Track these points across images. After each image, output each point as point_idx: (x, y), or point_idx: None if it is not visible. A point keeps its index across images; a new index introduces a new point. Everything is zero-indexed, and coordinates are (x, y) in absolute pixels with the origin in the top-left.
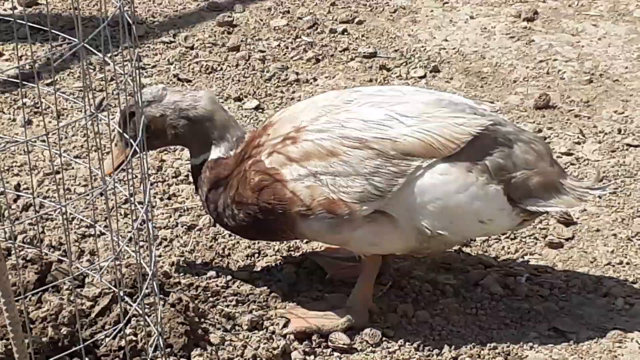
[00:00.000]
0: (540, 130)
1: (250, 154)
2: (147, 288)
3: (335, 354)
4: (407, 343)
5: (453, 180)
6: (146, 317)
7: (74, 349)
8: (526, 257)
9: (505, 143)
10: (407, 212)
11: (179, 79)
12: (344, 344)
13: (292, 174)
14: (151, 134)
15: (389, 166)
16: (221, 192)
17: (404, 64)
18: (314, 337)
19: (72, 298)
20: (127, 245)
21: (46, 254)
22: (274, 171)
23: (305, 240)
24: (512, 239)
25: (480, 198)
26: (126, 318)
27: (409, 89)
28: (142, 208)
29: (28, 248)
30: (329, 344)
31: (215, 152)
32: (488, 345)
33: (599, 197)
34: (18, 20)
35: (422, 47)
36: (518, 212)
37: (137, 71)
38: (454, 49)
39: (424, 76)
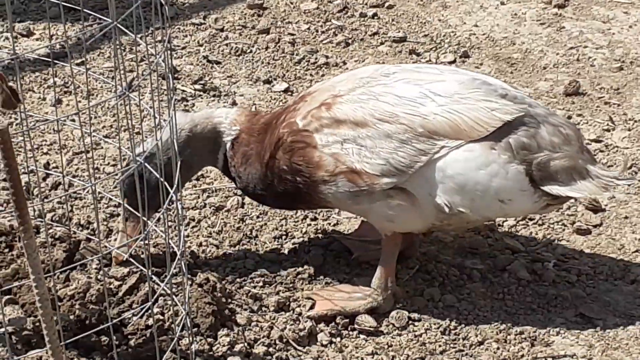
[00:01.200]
0: (569, 117)
1: (284, 119)
2: (175, 268)
3: (362, 336)
4: (433, 326)
5: (475, 157)
6: (174, 296)
7: (101, 326)
8: (554, 243)
9: (532, 124)
10: (427, 190)
11: (208, 61)
12: (370, 327)
13: (321, 139)
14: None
15: (415, 143)
16: (251, 162)
17: (433, 48)
18: (338, 319)
19: (99, 277)
20: (156, 225)
21: (75, 233)
22: (307, 134)
23: (333, 223)
24: (539, 225)
25: (500, 176)
26: (154, 297)
27: (447, 68)
28: (171, 188)
29: (57, 226)
30: (355, 326)
31: (226, 142)
32: (514, 330)
33: (628, 186)
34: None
35: (452, 32)
36: (540, 195)
37: (169, 52)
38: (484, 34)
39: (454, 61)
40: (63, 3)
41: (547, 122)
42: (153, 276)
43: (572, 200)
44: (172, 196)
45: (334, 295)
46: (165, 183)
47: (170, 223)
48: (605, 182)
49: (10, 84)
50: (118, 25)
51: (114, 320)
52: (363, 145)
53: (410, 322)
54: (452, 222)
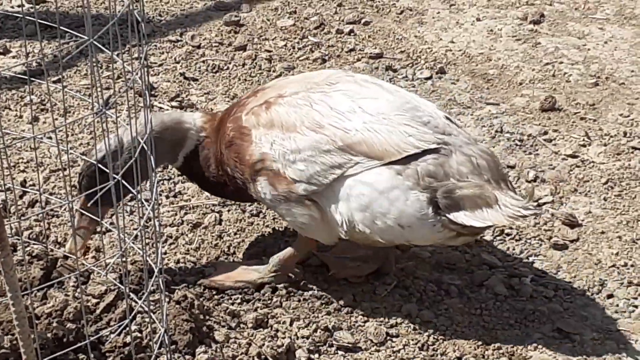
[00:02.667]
0: (546, 132)
1: (234, 113)
2: (152, 285)
3: (340, 352)
4: (411, 342)
5: (381, 181)
6: (151, 314)
7: (79, 344)
8: (531, 259)
9: (444, 152)
10: (334, 204)
11: (185, 78)
12: (348, 343)
13: (256, 137)
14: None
15: (334, 155)
16: (210, 163)
17: (410, 65)
18: (317, 334)
19: (77, 294)
20: (133, 242)
21: (52, 250)
22: (246, 130)
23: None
24: (517, 240)
25: (400, 202)
26: (132, 314)
27: (393, 88)
28: (148, 205)
29: (34, 244)
30: (333, 342)
31: (189, 144)
32: (492, 345)
33: (535, 217)
34: (27, 17)
35: (429, 48)
36: (444, 224)
37: (145, 69)
38: (460, 50)
39: (430, 77)
40: (39, 21)
41: (461, 151)
42: (131, 294)
43: (549, 216)
44: (149, 213)
45: (234, 267)
46: (126, 183)
47: (147, 240)
48: (512, 212)
49: None
50: (94, 42)
51: (92, 338)
52: (288, 149)
53: (388, 337)
54: (358, 239)
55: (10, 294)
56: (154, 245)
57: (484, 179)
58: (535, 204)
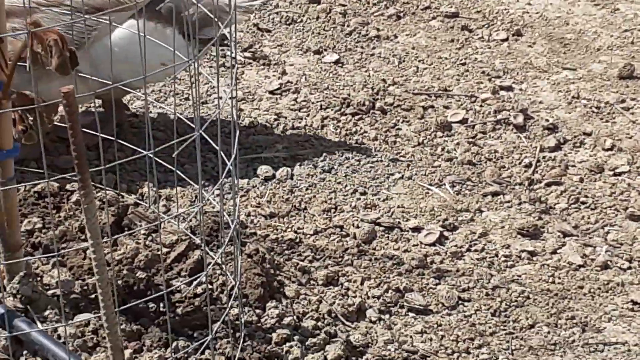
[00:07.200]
0: (623, 100)
1: None
2: (225, 237)
3: (411, 314)
4: (483, 308)
5: (135, 30)
6: (223, 266)
7: (156, 294)
8: (606, 228)
9: None
10: (93, 65)
11: (258, 29)
12: (419, 305)
13: None
14: None
15: (82, 22)
16: None
17: (486, 25)
18: (388, 295)
19: (147, 242)
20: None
21: (123, 197)
22: None
23: (382, 198)
24: (592, 209)
25: (160, 41)
26: (209, 267)
27: None
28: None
29: (107, 190)
30: (404, 303)
31: None
32: (565, 314)
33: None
34: None
35: (505, 9)
36: (194, 44)
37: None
38: (537, 13)
39: (507, 39)
40: None
41: None
42: (204, 245)
43: (626, 185)
44: (228, 167)
45: None
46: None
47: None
48: (244, 8)
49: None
50: None
51: (169, 289)
52: None
53: (459, 302)
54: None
55: (92, 240)
56: (232, 197)
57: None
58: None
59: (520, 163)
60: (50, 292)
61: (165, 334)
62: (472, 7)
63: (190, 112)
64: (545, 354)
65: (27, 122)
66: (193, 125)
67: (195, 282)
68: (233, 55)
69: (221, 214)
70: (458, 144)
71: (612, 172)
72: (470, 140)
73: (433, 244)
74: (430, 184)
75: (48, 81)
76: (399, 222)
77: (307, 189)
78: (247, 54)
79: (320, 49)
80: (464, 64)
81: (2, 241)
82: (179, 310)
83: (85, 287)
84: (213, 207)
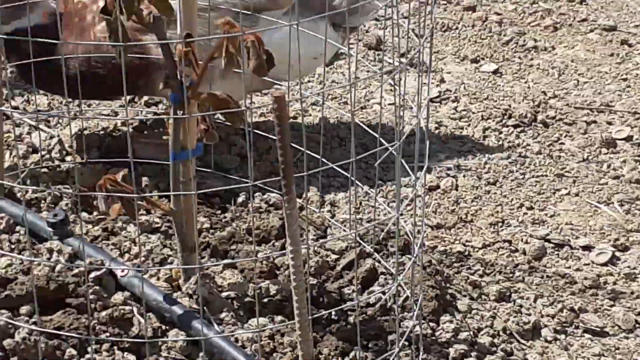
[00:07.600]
0: None
1: None
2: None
3: (587, 335)
4: None
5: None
6: (397, 277)
7: (341, 306)
8: None
9: None
10: None
11: (415, 35)
12: (596, 326)
13: None
14: None
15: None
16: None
17: None
18: (563, 314)
19: (316, 248)
20: (389, 205)
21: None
22: None
23: (549, 214)
24: None
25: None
26: (394, 284)
27: None
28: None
29: (271, 192)
30: (580, 324)
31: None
32: None
33: None
34: None
35: None
36: (340, 34)
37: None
38: None
39: None
40: None
41: None
42: (376, 254)
43: None
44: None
45: None
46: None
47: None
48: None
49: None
50: None
51: (353, 302)
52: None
53: (637, 325)
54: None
55: (292, 247)
56: (413, 209)
57: None
58: None
59: None
60: (223, 294)
61: (342, 342)
62: (631, 21)
63: (348, 117)
64: None
65: (208, 121)
66: (373, 133)
67: (385, 295)
68: (423, 60)
69: (398, 222)
70: (624, 161)
71: None
72: (637, 158)
73: (605, 264)
74: (598, 202)
75: (216, 81)
76: (569, 240)
77: (472, 201)
78: (403, 59)
79: (477, 58)
80: (625, 79)
81: (180, 241)
82: (350, 319)
83: (258, 290)
84: (385, 215)
